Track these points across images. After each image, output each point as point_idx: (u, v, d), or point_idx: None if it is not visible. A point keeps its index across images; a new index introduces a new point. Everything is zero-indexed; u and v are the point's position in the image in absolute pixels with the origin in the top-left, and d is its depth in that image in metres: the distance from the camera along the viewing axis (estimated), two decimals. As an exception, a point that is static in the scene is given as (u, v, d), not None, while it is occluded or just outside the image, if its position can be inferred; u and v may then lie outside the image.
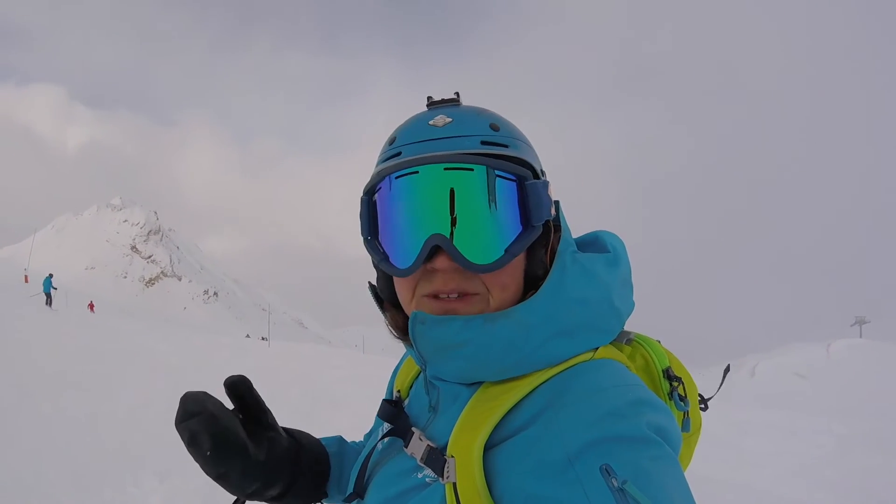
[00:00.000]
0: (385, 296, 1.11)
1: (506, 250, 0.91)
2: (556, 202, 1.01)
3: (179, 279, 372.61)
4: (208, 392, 1.06)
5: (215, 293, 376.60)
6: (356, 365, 21.09)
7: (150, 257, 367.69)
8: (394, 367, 1.44)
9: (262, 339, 50.48)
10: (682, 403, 1.04)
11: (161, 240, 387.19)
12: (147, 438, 7.15)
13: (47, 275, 38.09)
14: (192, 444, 1.01)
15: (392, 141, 1.00)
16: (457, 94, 1.03)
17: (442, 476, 0.88)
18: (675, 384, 1.05)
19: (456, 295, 0.94)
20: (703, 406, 1.14)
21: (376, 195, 0.99)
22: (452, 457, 0.87)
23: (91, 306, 51.43)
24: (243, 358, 19.27)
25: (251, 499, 1.16)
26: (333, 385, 14.20)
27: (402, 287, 1.00)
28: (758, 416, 13.58)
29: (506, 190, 0.92)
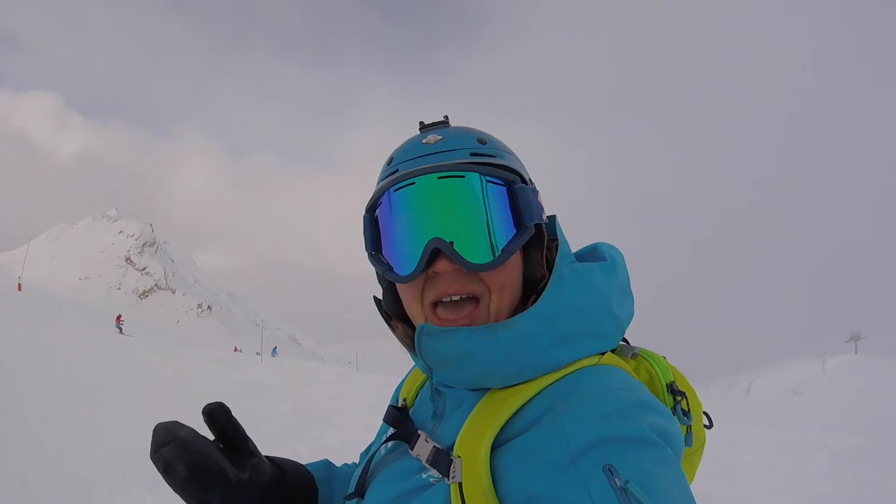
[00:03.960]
0: (392, 311, 1.17)
1: (502, 250, 0.98)
2: (553, 216, 1.13)
3: (173, 292, 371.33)
4: (179, 421, 1.05)
5: (209, 307, 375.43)
6: (348, 382, 21.13)
7: (144, 269, 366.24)
8: (398, 382, 1.50)
9: (256, 353, 50.40)
10: (685, 418, 1.07)
11: (156, 252, 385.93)
12: (136, 449, 7.08)
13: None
14: (168, 472, 0.98)
15: (390, 161, 1.10)
16: (445, 116, 1.14)
17: (447, 476, 0.92)
18: (679, 399, 1.09)
19: (458, 298, 1.00)
20: (707, 424, 1.17)
21: (377, 211, 1.07)
22: (459, 457, 0.91)
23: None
24: (235, 373, 19.19)
25: None
26: (324, 402, 14.17)
27: (408, 297, 1.07)
28: (752, 433, 13.57)
29: (497, 194, 1.00)
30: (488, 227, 0.99)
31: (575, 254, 1.15)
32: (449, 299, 1.01)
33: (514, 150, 1.14)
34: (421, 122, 1.15)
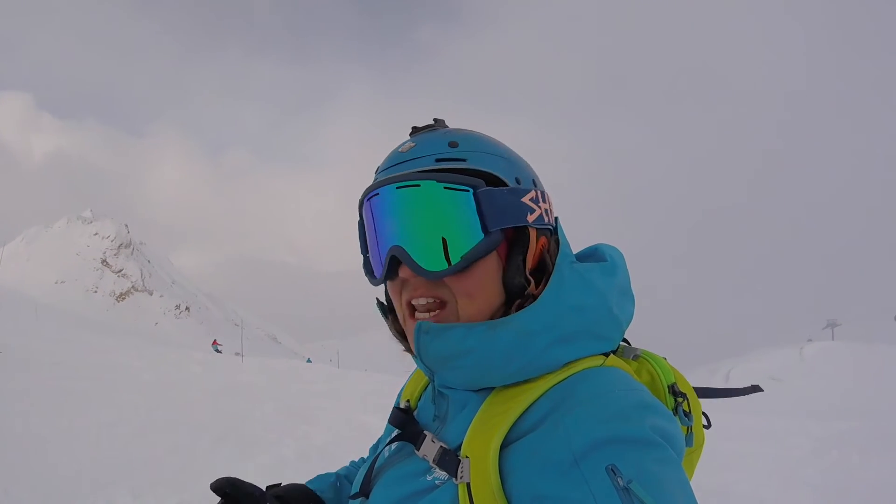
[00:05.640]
0: (390, 305, 1.19)
1: (461, 257, 0.98)
2: (555, 218, 1.11)
3: (151, 294, 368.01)
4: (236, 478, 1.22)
5: (187, 308, 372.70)
6: (330, 380, 21.02)
7: (120, 271, 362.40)
8: (382, 379, 1.50)
9: (236, 353, 50.18)
10: (686, 419, 1.08)
11: (132, 253, 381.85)
12: (120, 455, 7.03)
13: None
14: None
15: (376, 170, 1.11)
16: (435, 119, 1.13)
17: (455, 476, 0.92)
18: (680, 400, 1.09)
19: (425, 301, 1.02)
20: (706, 424, 1.17)
21: (362, 217, 1.11)
22: (467, 457, 0.91)
23: None
24: (217, 374, 19.05)
25: None
26: (308, 400, 14.11)
27: (393, 294, 1.10)
28: (733, 420, 13.68)
29: (457, 200, 0.99)
30: (448, 234, 0.99)
31: (576, 254, 1.13)
32: (417, 302, 1.03)
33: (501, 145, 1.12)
34: (412, 128, 1.13)
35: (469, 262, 0.98)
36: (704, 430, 1.18)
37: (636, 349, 1.15)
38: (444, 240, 0.99)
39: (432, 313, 1.02)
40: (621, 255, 1.15)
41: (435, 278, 0.99)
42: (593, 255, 1.16)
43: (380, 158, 1.13)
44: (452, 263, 0.98)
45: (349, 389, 17.74)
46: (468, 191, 0.99)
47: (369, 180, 1.12)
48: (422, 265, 0.99)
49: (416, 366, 1.40)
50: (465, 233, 0.98)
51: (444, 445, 0.99)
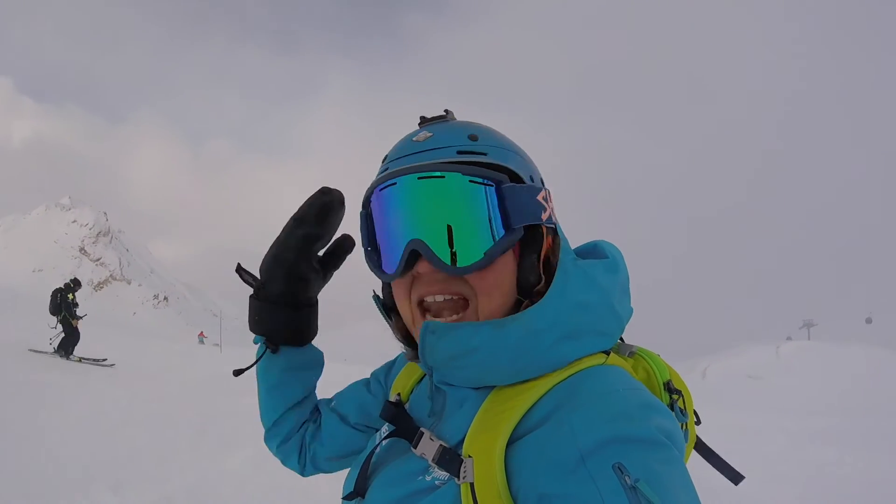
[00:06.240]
0: (391, 304, 1.15)
1: (484, 253, 0.95)
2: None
3: (129, 283, 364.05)
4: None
5: (165, 298, 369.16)
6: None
7: (98, 260, 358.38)
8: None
9: (215, 344, 49.90)
10: (682, 416, 1.09)
11: (110, 242, 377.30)
12: (100, 449, 6.96)
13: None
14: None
15: (384, 159, 1.07)
16: (446, 111, 1.10)
17: (458, 476, 0.91)
18: (675, 397, 1.11)
19: (442, 299, 1.00)
20: (697, 421, 1.18)
21: (370, 208, 1.06)
22: (470, 457, 0.90)
23: None
24: (196, 366, 18.91)
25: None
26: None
27: (399, 294, 1.06)
28: (710, 416, 13.67)
29: (482, 194, 0.96)
30: (471, 229, 0.96)
31: (575, 250, 1.13)
32: (433, 299, 1.00)
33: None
34: (421, 118, 1.10)
35: (491, 258, 0.96)
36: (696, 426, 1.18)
37: (631, 346, 1.15)
38: (467, 234, 0.96)
39: (455, 315, 1.00)
40: (621, 253, 1.15)
41: (458, 274, 0.97)
42: (593, 251, 1.15)
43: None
44: (476, 259, 0.96)
45: (330, 381, 17.63)
46: (492, 185, 0.97)
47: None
48: (445, 260, 0.96)
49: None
50: (487, 228, 0.96)
51: (443, 444, 0.98)
